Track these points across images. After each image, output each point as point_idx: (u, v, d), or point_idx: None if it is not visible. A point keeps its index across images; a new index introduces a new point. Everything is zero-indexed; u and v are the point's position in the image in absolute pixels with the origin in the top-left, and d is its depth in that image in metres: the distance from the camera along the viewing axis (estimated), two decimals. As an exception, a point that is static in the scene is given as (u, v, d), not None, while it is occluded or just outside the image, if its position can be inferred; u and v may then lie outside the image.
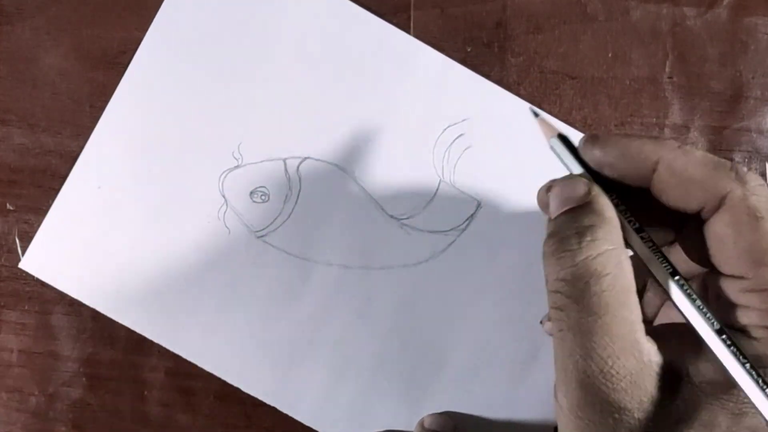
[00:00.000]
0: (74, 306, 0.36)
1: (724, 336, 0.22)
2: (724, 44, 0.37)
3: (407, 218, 0.36)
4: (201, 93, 0.36)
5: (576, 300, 0.22)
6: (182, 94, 0.36)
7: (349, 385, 0.36)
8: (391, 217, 0.36)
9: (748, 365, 0.21)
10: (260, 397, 0.36)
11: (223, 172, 0.36)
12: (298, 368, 0.36)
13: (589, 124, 0.36)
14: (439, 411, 0.36)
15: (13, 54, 0.37)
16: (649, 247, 0.24)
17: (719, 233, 0.23)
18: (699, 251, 0.24)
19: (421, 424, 0.35)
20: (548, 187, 0.25)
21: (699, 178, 0.23)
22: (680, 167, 0.23)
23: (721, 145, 0.36)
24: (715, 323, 0.22)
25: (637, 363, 0.22)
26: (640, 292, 0.27)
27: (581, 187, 0.24)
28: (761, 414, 0.21)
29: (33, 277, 0.36)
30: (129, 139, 0.36)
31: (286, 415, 0.36)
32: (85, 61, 0.37)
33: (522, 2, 0.37)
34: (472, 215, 0.36)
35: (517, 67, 0.36)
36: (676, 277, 0.23)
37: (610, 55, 0.37)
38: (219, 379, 0.36)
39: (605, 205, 0.24)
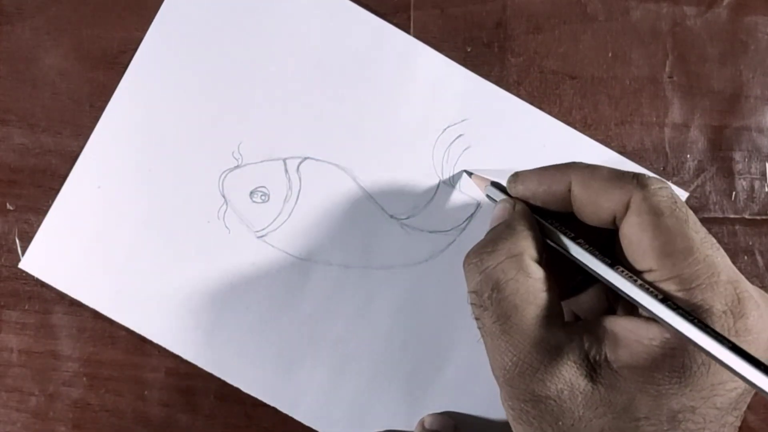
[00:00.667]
0: (74, 306, 0.36)
1: (664, 299, 0.23)
2: (724, 44, 0.37)
3: (407, 218, 0.36)
4: (201, 93, 0.36)
5: (486, 308, 0.25)
6: (182, 93, 0.36)
7: (349, 384, 0.36)
8: (391, 216, 0.36)
9: (696, 320, 0.22)
10: (260, 398, 0.36)
11: (223, 172, 0.36)
12: (298, 368, 0.36)
13: (589, 124, 0.36)
14: (440, 411, 0.36)
15: (13, 54, 0.37)
16: (579, 244, 0.26)
17: (627, 234, 0.25)
18: (618, 260, 0.26)
19: (422, 423, 0.35)
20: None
21: (605, 190, 0.25)
22: (588, 183, 0.26)
23: (721, 144, 0.36)
24: (658, 294, 0.23)
25: (551, 355, 0.24)
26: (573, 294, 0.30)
27: (507, 208, 0.28)
28: (720, 363, 0.22)
29: (33, 277, 0.36)
30: (129, 139, 0.36)
31: (286, 415, 0.36)
32: (85, 61, 0.37)
33: (522, 2, 0.37)
34: (471, 215, 0.36)
35: (517, 67, 0.36)
36: (607, 263, 0.25)
37: (610, 55, 0.37)
38: (219, 379, 0.36)
39: (518, 219, 0.27)
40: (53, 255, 0.36)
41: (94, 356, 0.37)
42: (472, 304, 0.26)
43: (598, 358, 0.24)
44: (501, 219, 0.28)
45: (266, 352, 0.36)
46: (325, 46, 0.36)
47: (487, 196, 0.32)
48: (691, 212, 0.25)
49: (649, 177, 0.25)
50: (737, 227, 0.36)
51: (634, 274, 0.25)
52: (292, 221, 0.36)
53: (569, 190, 0.27)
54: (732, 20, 0.37)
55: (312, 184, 0.36)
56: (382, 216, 0.36)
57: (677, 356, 0.23)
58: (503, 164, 0.36)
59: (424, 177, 0.36)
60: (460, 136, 0.36)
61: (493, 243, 0.26)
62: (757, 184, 0.37)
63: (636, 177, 0.25)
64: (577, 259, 0.26)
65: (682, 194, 0.36)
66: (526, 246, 0.26)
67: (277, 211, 0.36)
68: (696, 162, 0.37)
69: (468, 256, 0.26)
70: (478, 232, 0.36)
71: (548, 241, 0.27)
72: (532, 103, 0.36)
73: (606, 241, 0.27)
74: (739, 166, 0.37)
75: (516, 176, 0.29)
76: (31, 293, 0.37)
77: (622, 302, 0.28)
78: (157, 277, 0.36)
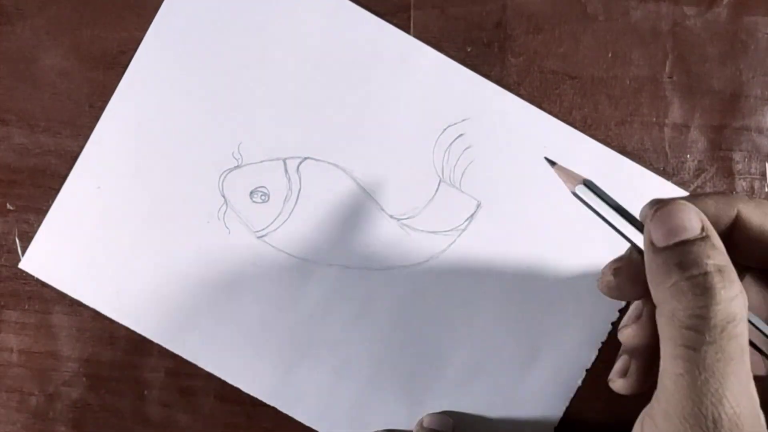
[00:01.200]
0: (74, 306, 0.36)
1: None
2: (724, 44, 0.37)
3: (407, 218, 0.36)
4: (201, 93, 0.36)
5: (714, 341, 0.21)
6: (182, 94, 0.36)
7: (349, 385, 0.36)
8: (391, 217, 0.36)
9: None
10: (260, 398, 0.36)
11: (223, 172, 0.36)
12: (298, 368, 0.36)
13: (589, 124, 0.36)
14: (439, 411, 0.36)
15: (13, 54, 0.37)
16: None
17: None
18: None
19: (420, 423, 0.35)
20: (653, 210, 0.24)
21: None
22: (760, 222, 0.23)
23: (721, 144, 0.36)
24: None
25: (751, 413, 0.21)
26: None
27: (695, 218, 0.23)
28: None
29: (33, 277, 0.36)
30: (129, 139, 0.36)
31: (286, 415, 0.36)
32: (85, 61, 0.37)
33: (522, 2, 0.37)
34: (472, 215, 0.36)
35: (517, 67, 0.36)
36: None
37: (610, 55, 0.37)
38: (219, 379, 0.36)
39: (721, 243, 0.23)
40: (53, 255, 0.36)
41: (94, 356, 0.37)
42: (690, 329, 0.22)
43: None
44: (692, 233, 0.23)
45: (266, 352, 0.36)
46: (325, 46, 0.36)
47: (576, 195, 0.27)
48: None
49: None
50: (737, 227, 0.36)
51: None
52: (292, 221, 0.36)
53: (730, 225, 0.24)
54: (732, 20, 0.37)
55: (312, 184, 0.36)
56: (381, 216, 0.36)
57: None
58: (503, 164, 0.36)
59: (425, 177, 0.36)
60: (461, 135, 0.36)
61: (729, 272, 0.22)
62: (757, 184, 0.37)
63: None
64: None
65: (683, 194, 0.36)
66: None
67: (277, 212, 0.36)
68: (696, 162, 0.37)
69: (698, 276, 0.22)
70: (478, 233, 0.36)
71: None
72: (532, 103, 0.36)
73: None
74: (739, 166, 0.37)
75: (662, 203, 0.24)
76: (31, 293, 0.37)
77: None
78: (157, 277, 0.36)
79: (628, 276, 0.26)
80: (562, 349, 0.35)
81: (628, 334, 0.28)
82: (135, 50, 0.36)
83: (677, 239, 0.23)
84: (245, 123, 0.36)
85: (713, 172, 0.36)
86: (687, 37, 0.37)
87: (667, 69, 0.37)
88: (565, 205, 0.35)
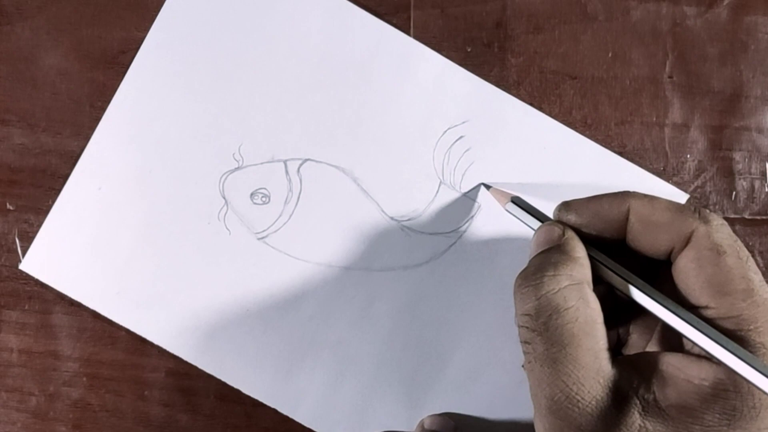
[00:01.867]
0: (74, 306, 0.36)
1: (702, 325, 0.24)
2: (724, 44, 0.37)
3: (407, 220, 0.36)
4: (202, 94, 0.36)
5: (540, 333, 0.24)
6: (183, 95, 0.36)
7: (349, 386, 0.36)
8: (392, 218, 0.36)
9: (733, 345, 0.22)
10: (260, 399, 0.36)
11: (224, 174, 0.36)
12: (299, 370, 0.36)
13: (589, 124, 0.36)
14: (440, 412, 0.36)
15: (13, 54, 0.37)
16: (633, 278, 0.26)
17: (685, 268, 0.25)
18: (670, 293, 0.25)
19: (422, 425, 0.35)
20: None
21: (666, 222, 0.25)
22: (647, 214, 0.25)
23: (721, 144, 0.36)
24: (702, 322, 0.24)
25: (601, 388, 0.23)
26: (624, 336, 0.29)
27: (556, 231, 0.27)
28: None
29: (33, 277, 0.36)
30: (130, 140, 0.36)
31: (286, 416, 0.36)
32: (85, 61, 0.37)
33: (522, 2, 0.37)
34: (472, 217, 0.36)
35: (517, 67, 0.36)
36: (665, 298, 0.25)
37: (610, 55, 0.37)
38: (219, 379, 0.36)
39: (575, 246, 0.26)
40: (54, 256, 0.36)
41: (94, 356, 0.37)
42: (522, 326, 0.25)
43: (646, 395, 0.24)
44: (550, 243, 0.27)
45: (266, 354, 0.36)
46: (325, 48, 0.36)
47: (509, 210, 0.32)
48: (748, 253, 0.24)
49: (710, 213, 0.25)
50: (737, 227, 0.36)
51: (688, 309, 0.24)
52: (292, 223, 0.36)
53: (625, 220, 0.26)
54: (732, 20, 0.37)
55: (312, 185, 0.36)
56: (382, 218, 0.36)
57: (729, 398, 0.23)
58: (504, 166, 0.36)
59: (425, 179, 0.36)
60: (461, 137, 0.36)
61: (554, 267, 0.25)
62: (757, 184, 0.37)
63: (698, 211, 0.25)
64: (630, 292, 0.26)
65: (683, 195, 0.36)
66: (586, 274, 0.25)
67: (277, 213, 0.36)
68: (696, 162, 0.37)
69: (524, 277, 0.26)
70: (478, 234, 0.36)
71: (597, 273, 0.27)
72: (532, 103, 0.36)
73: (650, 273, 0.27)
74: (739, 166, 0.37)
75: (567, 205, 0.28)
76: (31, 293, 0.37)
77: (658, 339, 0.28)
78: (158, 278, 0.36)
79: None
80: None
81: None
82: (136, 50, 0.36)
83: (536, 252, 0.27)
84: (246, 124, 0.36)
85: (713, 172, 0.36)
86: (687, 37, 0.37)
87: (667, 69, 0.37)
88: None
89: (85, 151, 0.36)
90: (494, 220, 0.36)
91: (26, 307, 0.37)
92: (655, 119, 0.36)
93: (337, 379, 0.36)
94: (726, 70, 0.37)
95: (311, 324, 0.36)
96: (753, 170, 0.37)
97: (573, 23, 0.37)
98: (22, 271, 0.36)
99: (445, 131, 0.36)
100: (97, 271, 0.36)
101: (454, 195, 0.36)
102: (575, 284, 0.25)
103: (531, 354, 0.24)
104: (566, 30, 0.37)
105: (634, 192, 0.26)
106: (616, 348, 0.29)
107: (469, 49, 0.37)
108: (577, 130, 0.36)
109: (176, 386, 0.36)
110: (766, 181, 0.37)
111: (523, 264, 0.35)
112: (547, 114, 0.36)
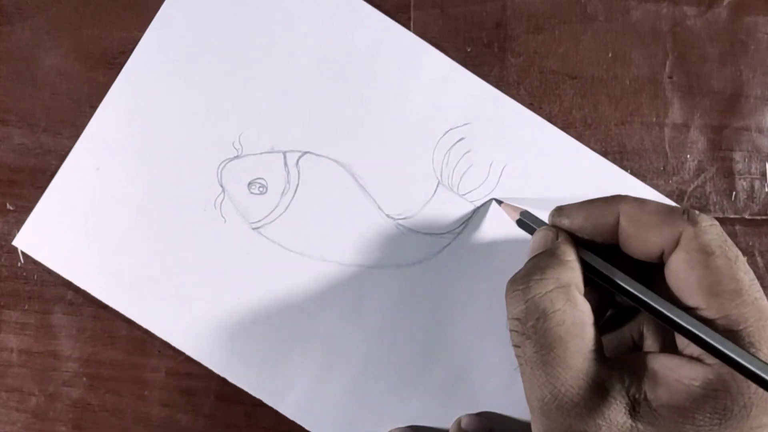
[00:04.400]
0: (74, 306, 0.36)
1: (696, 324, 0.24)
2: (724, 44, 0.37)
3: (403, 219, 0.36)
4: (206, 82, 0.36)
5: (529, 336, 0.24)
6: (185, 82, 0.36)
7: (336, 381, 0.36)
8: (388, 216, 0.36)
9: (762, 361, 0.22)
10: (246, 389, 0.35)
11: (223, 162, 0.36)
12: (286, 361, 0.36)
13: (589, 123, 0.36)
14: (427, 410, 0.35)
15: (13, 54, 0.37)
16: (627, 278, 0.26)
17: (675, 270, 0.25)
18: (663, 295, 0.26)
19: (458, 423, 0.35)
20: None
21: (655, 224, 0.25)
22: (637, 217, 0.26)
23: (721, 144, 0.36)
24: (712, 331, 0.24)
25: (591, 390, 0.24)
26: (638, 339, 0.29)
27: (549, 236, 0.27)
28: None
29: (33, 276, 0.36)
30: (131, 122, 0.36)
31: (286, 416, 0.36)
32: (85, 61, 0.37)
33: (522, 2, 0.37)
34: (468, 219, 0.36)
35: (517, 67, 0.36)
36: (651, 297, 0.25)
37: (610, 55, 0.37)
38: (219, 379, 0.36)
39: (565, 250, 0.26)
40: (48, 234, 0.36)
41: (94, 356, 0.37)
42: (512, 330, 0.25)
43: (637, 396, 0.24)
44: (543, 247, 0.27)
45: (255, 344, 0.36)
46: (330, 42, 0.36)
47: (519, 224, 0.32)
48: (739, 253, 0.25)
49: (699, 214, 0.25)
50: (737, 227, 0.36)
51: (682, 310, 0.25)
52: (288, 215, 0.36)
53: (616, 223, 0.26)
54: (732, 20, 0.37)
55: (310, 178, 0.36)
56: (378, 215, 0.36)
57: (720, 398, 0.23)
58: (503, 171, 0.36)
59: (423, 178, 0.36)
60: (462, 139, 0.36)
61: (541, 271, 0.25)
62: (757, 184, 0.37)
63: (686, 213, 0.25)
64: (626, 292, 0.26)
65: (671, 204, 0.36)
66: (573, 277, 0.26)
67: (274, 204, 0.36)
68: (696, 162, 0.37)
69: (513, 282, 0.26)
70: (473, 237, 0.36)
71: (591, 275, 0.27)
72: (532, 103, 0.36)
73: (645, 276, 0.27)
74: (739, 166, 0.37)
75: (560, 210, 0.28)
76: (31, 293, 0.37)
77: (649, 341, 0.28)
78: (151, 261, 0.36)
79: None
80: None
81: None
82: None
83: (529, 257, 0.27)
84: (247, 114, 0.36)
85: (713, 172, 0.36)
86: (687, 37, 0.37)
87: (667, 69, 0.37)
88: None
89: (86, 130, 0.36)
90: (490, 223, 0.36)
91: (26, 307, 0.37)
92: (655, 119, 0.36)
93: (325, 373, 0.36)
94: (726, 70, 0.37)
95: (301, 316, 0.36)
96: (753, 170, 0.37)
97: (573, 23, 0.37)
98: (22, 271, 0.36)
99: (446, 132, 0.36)
100: (90, 251, 0.36)
101: (451, 196, 0.36)
102: (562, 287, 0.25)
103: (522, 357, 0.25)
104: (566, 30, 0.37)
105: (625, 196, 0.27)
106: (633, 349, 0.29)
107: (469, 49, 0.37)
108: (577, 130, 0.36)
109: (176, 386, 0.36)
110: (766, 181, 0.37)
111: (517, 269, 0.36)
112: (547, 113, 0.36)
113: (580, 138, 0.36)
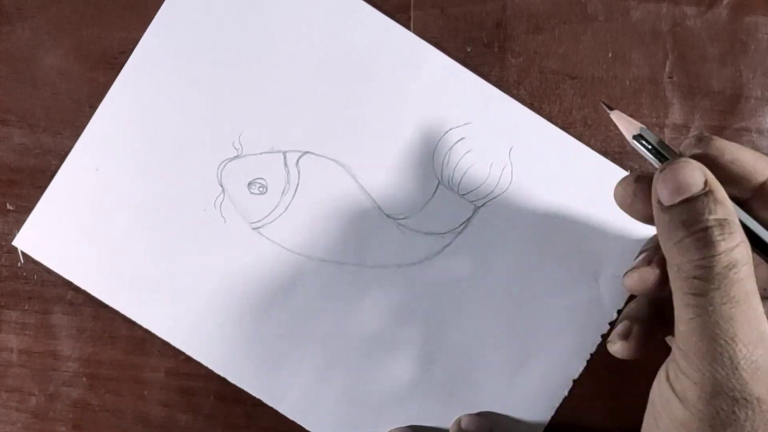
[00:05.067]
0: (74, 306, 0.36)
1: None
2: (724, 44, 0.37)
3: (404, 218, 0.36)
4: (206, 82, 0.36)
5: (719, 286, 0.23)
6: (187, 81, 0.36)
7: (336, 381, 0.36)
8: (388, 216, 0.36)
9: None
10: (245, 388, 0.36)
11: (223, 161, 0.36)
12: (286, 362, 0.36)
13: (589, 124, 0.36)
14: (433, 411, 0.35)
15: (13, 54, 0.37)
16: None
17: None
18: None
19: (458, 423, 0.35)
20: (659, 170, 0.25)
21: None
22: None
23: (721, 145, 0.36)
24: None
25: (765, 347, 0.23)
26: None
27: (698, 175, 0.24)
28: None
29: (33, 276, 0.36)
30: (131, 122, 0.36)
31: (286, 416, 0.36)
32: (85, 61, 0.37)
33: (522, 2, 0.37)
34: (468, 219, 0.36)
35: (517, 67, 0.36)
36: None
37: (610, 55, 0.37)
38: (219, 379, 0.36)
39: (725, 196, 0.24)
40: (47, 234, 0.36)
41: (94, 356, 0.37)
42: (696, 278, 0.23)
43: None
44: (695, 187, 0.24)
45: (254, 343, 0.36)
46: (330, 42, 0.36)
47: (635, 139, 0.28)
48: None
49: None
50: (737, 227, 0.36)
51: None
52: (288, 215, 0.36)
53: (762, 183, 0.26)
54: (732, 20, 0.37)
55: (310, 178, 0.36)
56: (378, 215, 0.36)
57: None
58: (503, 171, 0.36)
59: (423, 178, 0.36)
60: (462, 139, 0.36)
61: (730, 224, 0.23)
62: (757, 184, 0.36)
63: None
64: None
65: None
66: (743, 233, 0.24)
67: (274, 204, 0.36)
68: (696, 162, 0.36)
69: (699, 231, 0.23)
70: (473, 237, 0.35)
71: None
72: (532, 103, 0.36)
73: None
74: (739, 167, 0.37)
75: (706, 139, 0.26)
76: (31, 293, 0.37)
77: None
78: (150, 261, 0.36)
79: (644, 196, 0.27)
80: (550, 357, 0.35)
81: (634, 281, 0.28)
82: (135, 50, 0.36)
83: (681, 198, 0.24)
84: (247, 114, 0.36)
85: (713, 172, 0.36)
86: (687, 38, 0.37)
87: (667, 69, 0.37)
88: (561, 213, 0.35)
89: (86, 130, 0.36)
90: (490, 223, 0.36)
91: (26, 307, 0.37)
92: (655, 119, 0.36)
93: (325, 373, 0.36)
94: (726, 70, 0.37)
95: (301, 317, 0.36)
96: None
97: (573, 23, 0.37)
98: (22, 271, 0.36)
99: (447, 131, 0.36)
100: (90, 251, 0.36)
101: (451, 196, 0.36)
102: (745, 241, 0.24)
103: (704, 307, 0.23)
104: (566, 30, 0.37)
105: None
106: None
107: (469, 49, 0.37)
108: (577, 130, 0.36)
109: (176, 386, 0.36)
110: (766, 182, 0.36)
111: (517, 269, 0.35)
112: (547, 113, 0.36)
113: (580, 138, 0.36)
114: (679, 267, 0.24)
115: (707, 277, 0.23)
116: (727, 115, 0.36)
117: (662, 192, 0.25)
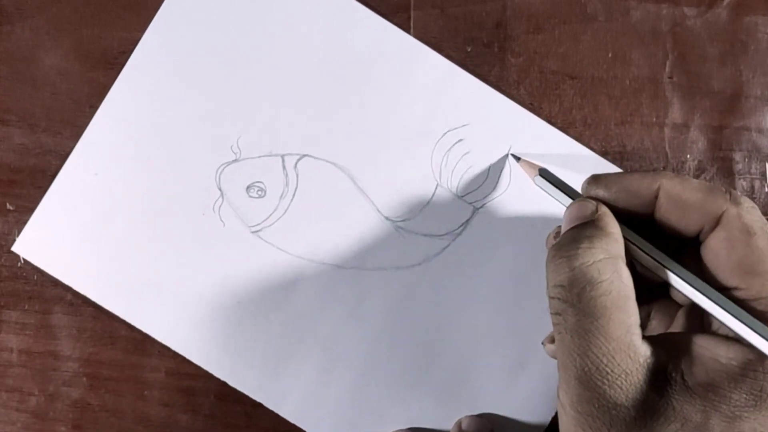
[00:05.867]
0: (74, 306, 0.36)
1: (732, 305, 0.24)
2: (724, 44, 0.37)
3: (402, 221, 0.36)
4: (203, 86, 0.36)
5: (573, 304, 0.24)
6: (184, 85, 0.36)
7: (336, 384, 0.36)
8: (387, 218, 0.36)
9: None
10: (246, 392, 0.36)
11: (221, 165, 0.36)
12: (286, 365, 0.36)
13: (588, 124, 0.36)
14: (434, 413, 0.36)
15: (13, 54, 0.37)
16: (665, 257, 0.26)
17: (715, 249, 0.25)
18: (697, 273, 0.26)
19: (459, 425, 0.35)
20: (556, 232, 0.28)
21: (697, 202, 0.25)
22: (678, 193, 0.26)
23: (721, 144, 0.36)
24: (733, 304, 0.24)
25: (631, 363, 0.23)
26: (644, 320, 0.29)
27: (589, 207, 0.27)
28: None
29: (33, 277, 0.36)
30: (129, 127, 0.36)
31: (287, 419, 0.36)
32: (85, 61, 0.37)
33: (522, 2, 0.37)
34: (467, 221, 0.36)
35: (517, 67, 0.36)
36: (699, 279, 0.25)
37: (610, 55, 0.37)
38: (219, 379, 0.36)
39: (609, 222, 0.26)
40: (46, 239, 0.36)
41: (94, 356, 0.37)
42: (554, 298, 0.25)
43: (674, 373, 0.24)
44: (583, 219, 0.26)
45: (254, 347, 0.36)
46: (328, 45, 0.36)
47: (537, 183, 0.31)
48: None
49: (741, 195, 0.25)
50: (737, 227, 0.36)
51: (716, 290, 0.25)
52: (287, 218, 0.36)
53: (654, 198, 0.26)
54: (732, 20, 0.37)
55: (309, 181, 0.36)
56: (377, 217, 0.36)
57: (758, 379, 0.23)
58: (501, 172, 0.36)
59: (422, 180, 0.36)
60: (460, 140, 0.36)
61: (589, 240, 0.25)
62: (757, 184, 0.36)
63: (729, 193, 0.25)
64: (661, 271, 0.26)
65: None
66: (620, 249, 0.25)
67: (272, 207, 0.36)
68: (696, 162, 0.37)
69: (558, 248, 0.26)
70: (472, 238, 0.35)
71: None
72: (532, 103, 0.36)
73: (673, 251, 0.27)
74: (739, 166, 0.37)
75: (597, 179, 0.28)
76: (31, 293, 0.37)
77: (681, 323, 0.28)
78: (150, 266, 0.36)
79: None
80: (550, 358, 0.35)
81: (551, 351, 0.31)
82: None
83: (569, 227, 0.27)
84: (245, 117, 0.36)
85: (713, 172, 0.36)
86: (687, 38, 0.37)
87: (667, 69, 0.37)
88: (560, 214, 0.35)
89: (84, 135, 0.36)
90: (489, 225, 0.36)
91: (26, 307, 0.37)
92: (655, 119, 0.36)
93: (324, 376, 0.36)
94: (726, 70, 0.37)
95: (301, 320, 0.36)
96: (753, 170, 0.37)
97: (573, 23, 0.37)
98: (22, 272, 0.36)
99: (445, 133, 0.36)
100: (89, 255, 0.36)
101: (450, 198, 0.36)
102: (610, 258, 0.25)
103: (562, 325, 0.25)
104: (566, 30, 0.37)
105: (665, 171, 0.27)
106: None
107: (469, 49, 0.37)
108: (577, 130, 0.36)
109: (176, 386, 0.36)
110: (766, 181, 0.37)
111: (516, 270, 0.36)
112: (547, 114, 0.36)
113: (580, 138, 0.36)
114: (546, 287, 0.26)
115: (563, 296, 0.25)
116: (727, 115, 0.36)
117: (562, 226, 0.27)
